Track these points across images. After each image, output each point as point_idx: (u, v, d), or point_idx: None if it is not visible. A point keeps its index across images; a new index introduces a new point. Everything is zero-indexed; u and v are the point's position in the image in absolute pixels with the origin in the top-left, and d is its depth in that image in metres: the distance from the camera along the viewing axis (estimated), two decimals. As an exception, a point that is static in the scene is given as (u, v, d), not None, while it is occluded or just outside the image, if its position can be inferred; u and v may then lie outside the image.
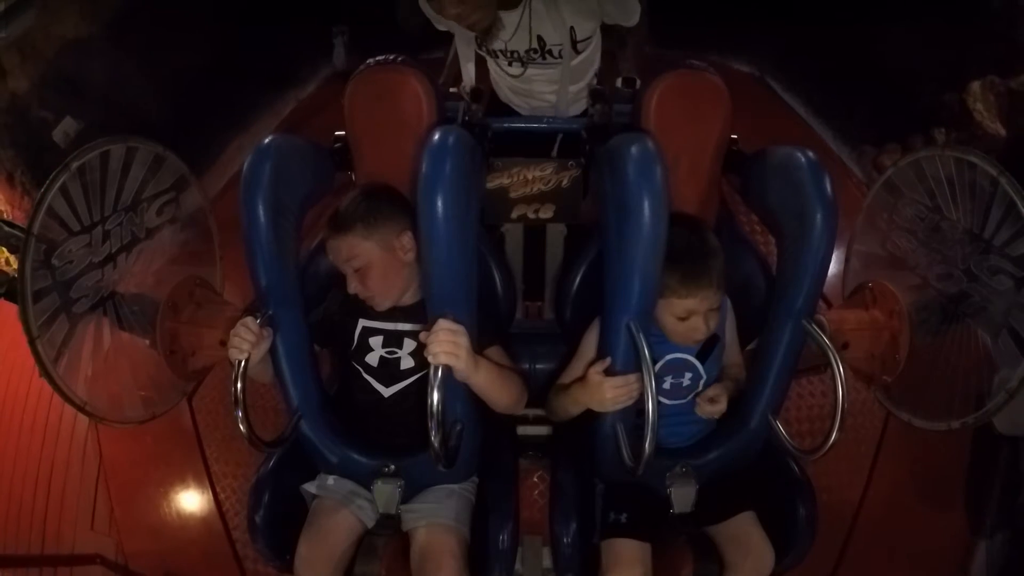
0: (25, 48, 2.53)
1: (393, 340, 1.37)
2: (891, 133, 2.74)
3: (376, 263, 1.30)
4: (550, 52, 1.73)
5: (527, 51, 1.74)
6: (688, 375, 1.36)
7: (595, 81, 1.90)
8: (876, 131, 2.82)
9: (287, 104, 3.35)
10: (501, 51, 1.76)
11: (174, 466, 2.27)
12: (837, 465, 2.10)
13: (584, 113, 1.88)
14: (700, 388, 1.38)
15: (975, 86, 2.49)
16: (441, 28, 1.78)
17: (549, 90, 1.85)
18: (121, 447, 2.34)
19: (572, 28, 1.69)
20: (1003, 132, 2.41)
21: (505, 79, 1.89)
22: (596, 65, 1.91)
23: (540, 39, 1.71)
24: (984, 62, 2.49)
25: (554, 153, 1.75)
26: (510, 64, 1.80)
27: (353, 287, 1.32)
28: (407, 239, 1.31)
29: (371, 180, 1.45)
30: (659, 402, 1.32)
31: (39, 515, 2.26)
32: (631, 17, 1.72)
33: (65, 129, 2.53)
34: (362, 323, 1.38)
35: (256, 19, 3.05)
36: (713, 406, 1.33)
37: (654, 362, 1.23)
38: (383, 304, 1.35)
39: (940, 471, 2.06)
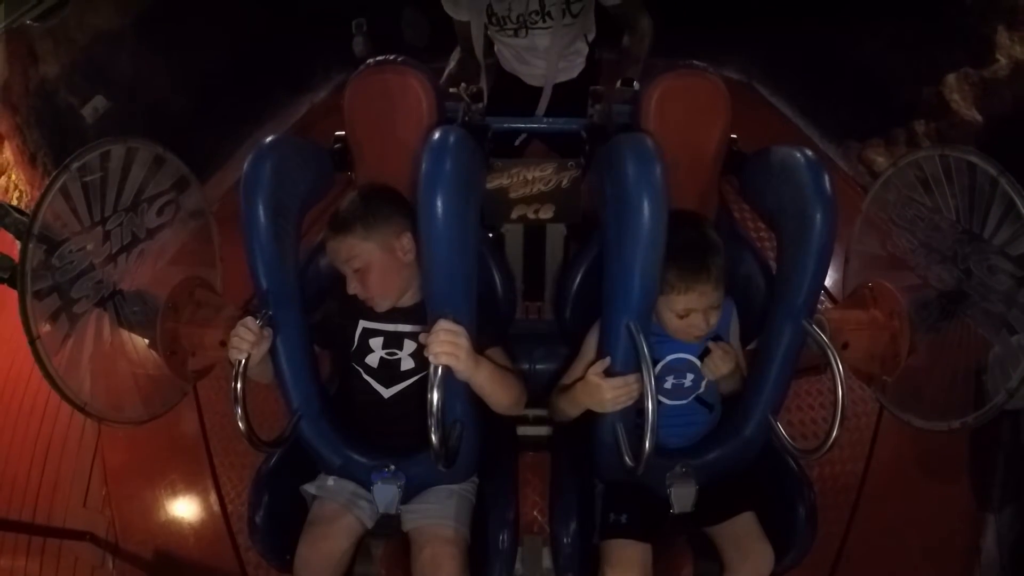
0: (58, 35, 2.63)
1: (393, 341, 1.37)
2: (874, 128, 2.91)
3: (375, 264, 1.30)
4: (548, 14, 1.88)
5: (531, 12, 1.89)
6: (690, 376, 1.36)
7: (587, 46, 2.03)
8: (860, 127, 2.96)
9: (301, 107, 3.49)
10: (506, 16, 1.91)
11: (175, 447, 2.28)
12: (838, 440, 2.13)
13: (576, 78, 2.04)
14: (701, 389, 1.38)
15: (951, 78, 2.65)
16: (462, 18, 1.95)
17: (542, 56, 1.99)
18: (123, 427, 2.36)
19: None
20: (979, 118, 2.54)
21: (509, 49, 2.04)
22: (590, 32, 2.03)
23: (541, 0, 1.86)
24: (958, 56, 2.64)
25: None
26: (515, 33, 1.94)
27: (353, 288, 1.32)
28: (407, 240, 1.31)
29: (371, 180, 1.45)
30: (659, 402, 1.32)
31: (32, 490, 2.27)
32: None
33: (95, 105, 2.62)
34: (362, 324, 1.38)
35: (276, 26, 3.23)
36: (721, 358, 1.33)
37: (656, 362, 1.23)
38: (383, 305, 1.35)
39: (940, 443, 2.02)
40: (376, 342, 1.38)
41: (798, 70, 3.28)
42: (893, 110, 2.85)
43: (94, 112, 2.45)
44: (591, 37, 2.05)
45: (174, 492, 2.22)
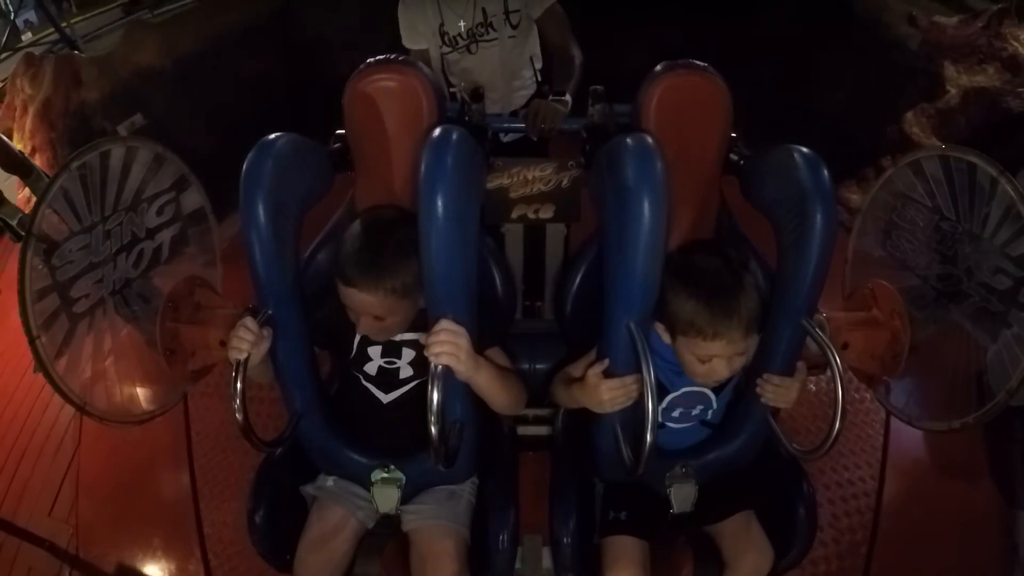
0: (104, 65, 3.01)
1: (392, 350, 1.35)
2: (846, 171, 3.17)
3: (399, 312, 1.26)
4: (491, 25, 2.01)
5: (477, 25, 2.02)
6: (699, 407, 1.35)
7: (534, 74, 2.14)
8: (833, 171, 3.22)
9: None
10: (459, 34, 2.03)
11: (156, 461, 2.26)
12: (852, 445, 2.19)
13: (525, 106, 2.10)
14: (708, 417, 1.37)
15: (909, 115, 3.04)
16: (421, 47, 2.04)
17: (492, 78, 2.08)
18: (103, 439, 2.33)
19: (506, 7, 2.00)
20: (939, 145, 2.85)
21: (461, 75, 2.11)
22: (536, 57, 2.13)
23: (484, 11, 2.00)
24: (912, 95, 3.07)
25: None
26: (468, 50, 2.05)
27: (365, 328, 1.27)
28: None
29: (368, 191, 1.43)
30: (663, 426, 1.33)
31: (-1, 494, 2.23)
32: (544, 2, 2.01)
33: (134, 120, 2.89)
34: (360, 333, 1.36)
35: (297, 90, 3.44)
36: (777, 390, 1.25)
37: (667, 394, 1.23)
38: (384, 338, 1.32)
39: (953, 444, 2.07)
40: (375, 351, 1.36)
41: (773, 129, 3.54)
42: (862, 152, 3.08)
43: (131, 126, 2.57)
44: (538, 64, 2.14)
45: (148, 507, 2.15)
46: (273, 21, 3.71)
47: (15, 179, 2.93)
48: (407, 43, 2.07)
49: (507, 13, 1.99)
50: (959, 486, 2.15)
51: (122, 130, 2.78)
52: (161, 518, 2.12)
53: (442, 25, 2.02)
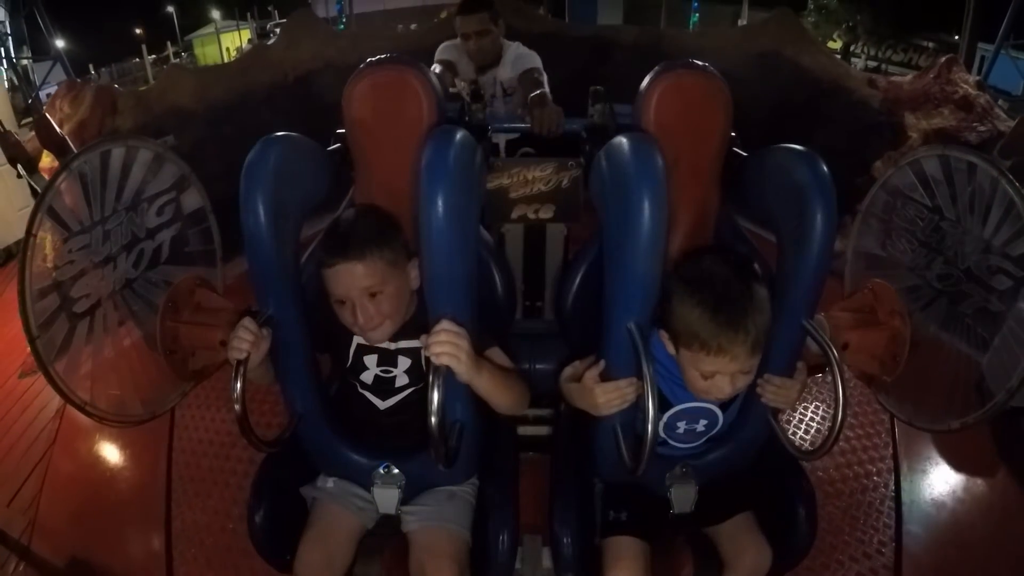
0: (140, 98, 3.42)
1: (388, 359, 1.34)
2: None
3: (390, 280, 1.24)
4: (495, 96, 2.65)
5: (491, 96, 2.62)
6: (704, 422, 1.32)
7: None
8: None
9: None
10: (484, 92, 2.59)
11: (135, 462, 2.28)
12: (864, 454, 2.21)
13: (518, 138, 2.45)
14: (714, 432, 1.35)
15: (878, 163, 3.33)
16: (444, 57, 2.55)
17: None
18: (79, 439, 2.36)
19: (500, 83, 2.60)
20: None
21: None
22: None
23: (501, 85, 2.61)
24: (878, 147, 3.41)
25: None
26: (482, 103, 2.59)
27: (363, 313, 1.23)
28: (414, 268, 1.27)
29: (368, 192, 1.43)
30: (666, 442, 1.33)
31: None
32: (532, 61, 2.50)
33: (166, 140, 3.09)
34: (356, 340, 1.34)
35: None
36: (776, 392, 1.24)
37: (669, 407, 1.22)
38: (377, 336, 1.28)
39: (963, 437, 2.07)
40: (371, 359, 1.35)
41: (751, 185, 3.83)
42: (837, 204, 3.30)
43: (163, 145, 2.79)
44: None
45: (113, 507, 2.13)
46: (297, 84, 4.03)
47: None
48: (440, 56, 2.58)
49: (504, 90, 2.61)
50: (974, 479, 2.17)
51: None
52: (125, 518, 2.10)
53: (476, 80, 2.60)
